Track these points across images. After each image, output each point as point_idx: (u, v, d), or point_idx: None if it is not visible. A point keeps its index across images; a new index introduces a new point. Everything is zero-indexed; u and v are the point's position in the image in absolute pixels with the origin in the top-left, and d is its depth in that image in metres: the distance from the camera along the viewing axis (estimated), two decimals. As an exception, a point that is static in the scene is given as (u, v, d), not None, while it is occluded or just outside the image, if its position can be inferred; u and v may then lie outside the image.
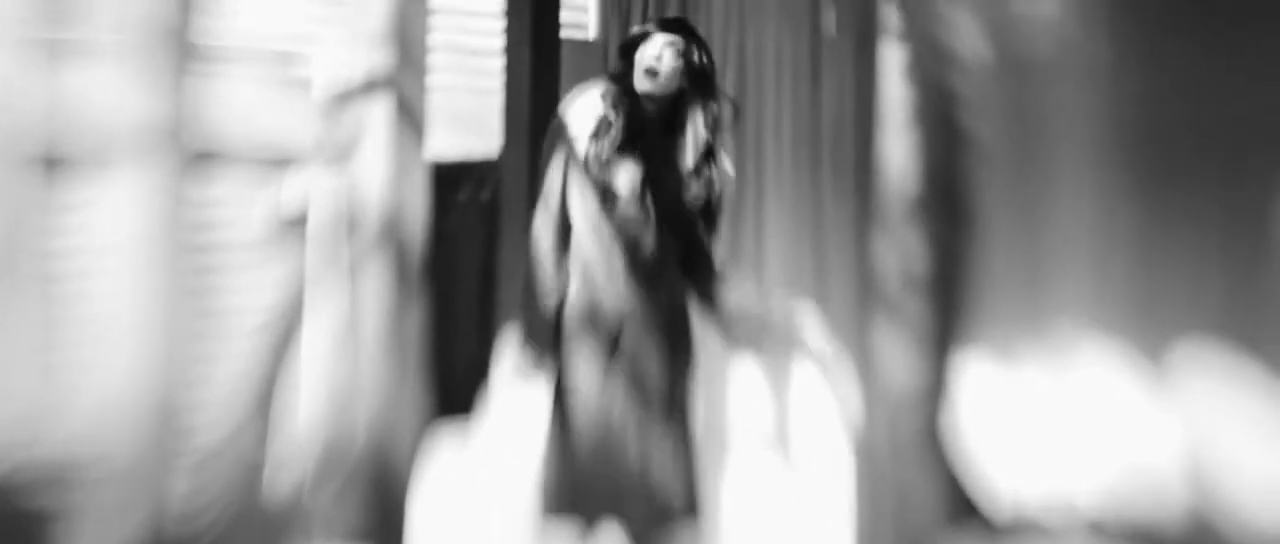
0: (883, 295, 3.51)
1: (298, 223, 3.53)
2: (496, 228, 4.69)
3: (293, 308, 3.53)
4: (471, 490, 4.11)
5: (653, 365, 3.78)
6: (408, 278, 3.63)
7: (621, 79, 3.82)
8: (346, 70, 3.56)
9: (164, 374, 3.32)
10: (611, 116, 3.78)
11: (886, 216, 3.42)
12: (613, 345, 3.77)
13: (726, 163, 3.87)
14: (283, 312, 3.52)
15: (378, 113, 3.58)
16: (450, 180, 4.58)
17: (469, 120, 4.78)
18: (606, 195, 3.76)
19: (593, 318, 3.79)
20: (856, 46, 4.14)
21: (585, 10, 5.17)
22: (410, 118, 3.65)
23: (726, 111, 3.87)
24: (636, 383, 3.77)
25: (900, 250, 3.47)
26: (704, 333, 3.92)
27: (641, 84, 3.75)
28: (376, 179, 3.55)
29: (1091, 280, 3.69)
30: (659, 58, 3.72)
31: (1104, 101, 3.65)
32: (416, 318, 3.65)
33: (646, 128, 3.81)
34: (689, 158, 3.76)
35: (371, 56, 3.57)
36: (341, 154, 3.54)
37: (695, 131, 3.76)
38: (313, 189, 3.54)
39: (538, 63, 4.69)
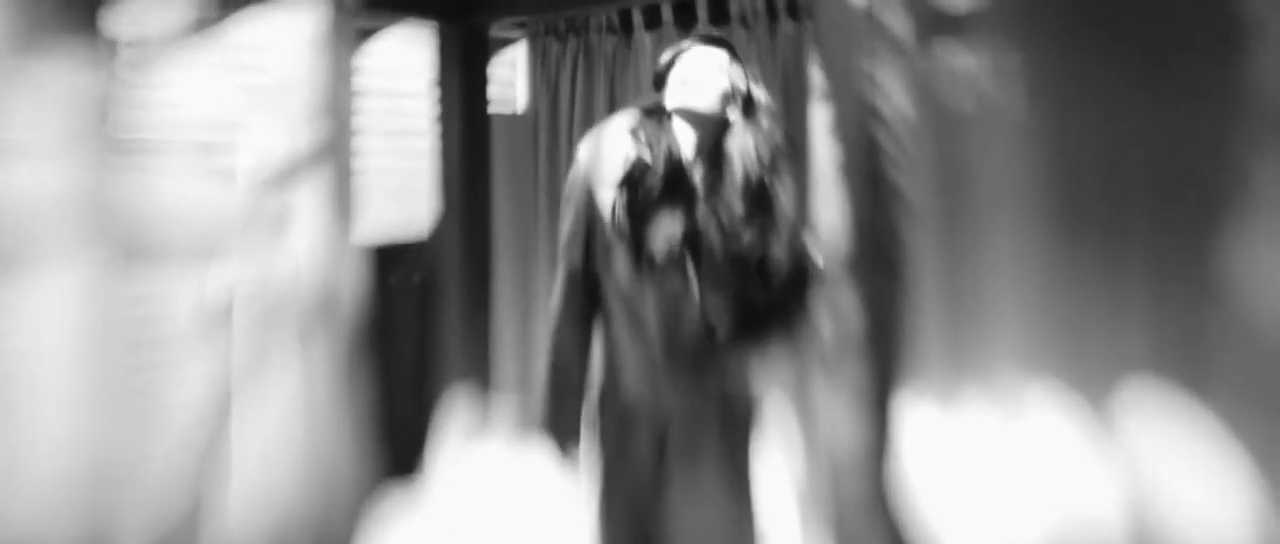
0: (820, 355, 3.49)
1: (226, 313, 3.56)
2: (432, 304, 4.63)
3: (223, 397, 3.56)
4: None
5: (709, 473, 3.19)
6: (347, 355, 3.75)
7: (654, 112, 3.18)
8: (272, 156, 3.63)
9: (97, 470, 3.37)
10: (645, 156, 3.12)
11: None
12: (658, 448, 3.18)
13: (785, 202, 3.15)
14: (214, 401, 3.55)
15: (306, 195, 3.68)
16: (385, 261, 4.40)
17: (401, 199, 4.61)
18: (641, 255, 3.10)
19: (629, 416, 3.19)
20: (784, 105, 4.27)
21: (513, 85, 5.03)
22: (341, 198, 3.77)
23: (781, 141, 3.20)
24: (688, 492, 3.17)
25: (833, 308, 3.43)
26: (771, 418, 3.37)
27: (680, 100, 3.11)
28: (309, 261, 3.66)
29: (1028, 327, 3.68)
30: (700, 71, 3.11)
31: (1027, 150, 3.64)
32: (358, 392, 3.76)
33: (687, 169, 3.15)
34: (738, 200, 3.09)
35: (297, 140, 3.63)
36: (270, 239, 3.60)
37: (746, 166, 3.11)
38: (241, 278, 3.58)
39: (467, 138, 4.65)
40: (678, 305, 3.11)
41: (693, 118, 3.14)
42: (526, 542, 4.08)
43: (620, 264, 3.13)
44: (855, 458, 3.52)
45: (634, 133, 3.17)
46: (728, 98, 3.14)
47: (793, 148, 3.30)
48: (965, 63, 3.70)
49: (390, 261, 4.39)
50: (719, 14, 4.55)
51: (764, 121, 3.17)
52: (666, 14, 4.65)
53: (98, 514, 3.40)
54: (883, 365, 3.54)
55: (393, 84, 4.61)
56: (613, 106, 4.72)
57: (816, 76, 3.56)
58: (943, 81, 3.67)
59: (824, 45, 3.51)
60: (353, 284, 3.80)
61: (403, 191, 4.61)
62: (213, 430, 3.58)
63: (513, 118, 4.99)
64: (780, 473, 3.83)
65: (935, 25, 3.62)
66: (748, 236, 3.10)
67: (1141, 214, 3.63)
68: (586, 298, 3.21)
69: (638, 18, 4.73)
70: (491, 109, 4.83)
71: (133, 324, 3.49)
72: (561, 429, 3.22)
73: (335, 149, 3.75)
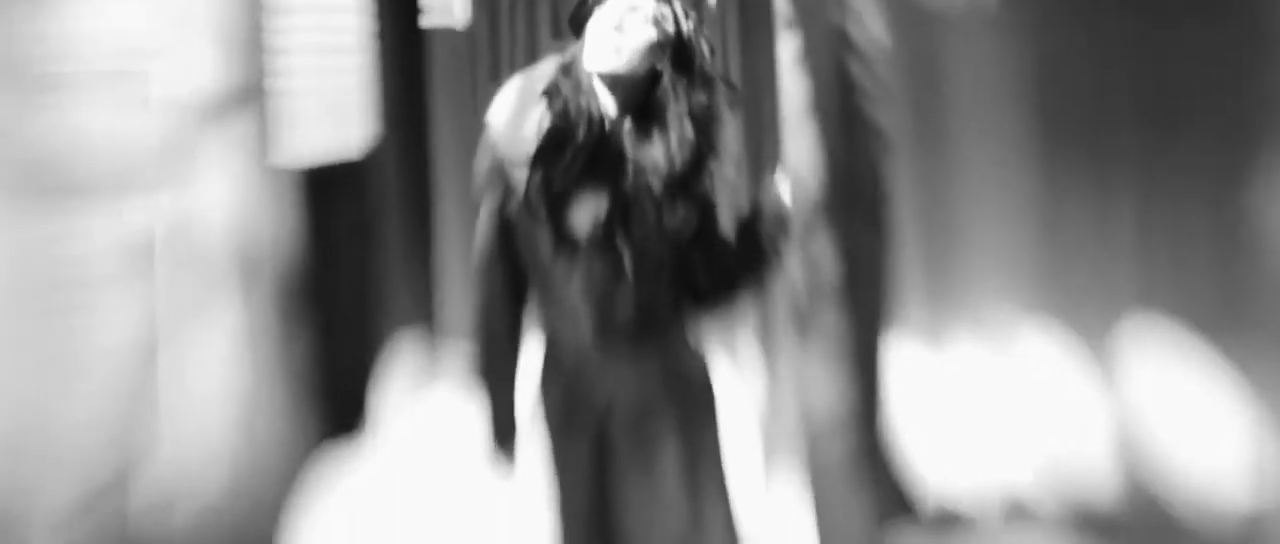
0: (794, 308, 3.40)
1: (148, 252, 3.47)
2: (372, 230, 4.51)
3: (149, 343, 3.47)
4: (361, 512, 4.09)
5: (665, 462, 2.96)
6: (278, 296, 3.67)
7: (571, 68, 2.88)
8: (189, 83, 3.52)
9: (14, 424, 3.32)
10: (560, 123, 2.84)
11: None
12: (602, 441, 2.97)
13: (728, 164, 2.90)
14: (139, 348, 3.45)
15: (225, 122, 3.59)
16: (317, 188, 4.16)
17: (332, 121, 4.42)
18: (563, 238, 2.85)
19: (570, 405, 2.98)
20: (744, 35, 4.16)
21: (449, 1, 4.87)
22: (261, 125, 3.67)
23: (722, 97, 2.92)
24: (642, 486, 2.96)
25: (808, 258, 3.33)
26: (729, 393, 3.12)
27: (600, 61, 2.81)
28: (233, 193, 3.56)
29: (1017, 261, 3.65)
30: (621, 25, 2.80)
31: (1008, 72, 3.62)
32: (292, 337, 3.67)
33: (610, 134, 2.86)
34: (672, 167, 2.83)
35: (214, 63, 3.52)
36: (190, 171, 3.50)
37: (679, 130, 2.83)
38: (162, 214, 3.50)
39: (401, 54, 4.52)
40: (609, 289, 2.88)
41: (617, 78, 2.85)
42: (478, 498, 3.98)
43: (541, 247, 2.89)
44: (837, 417, 3.44)
45: (549, 95, 2.88)
46: (657, 50, 2.83)
47: (734, 96, 3.01)
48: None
49: (322, 189, 4.19)
50: None
51: (700, 71, 2.88)
52: None
53: (16, 472, 3.33)
54: (865, 313, 3.44)
55: (322, 5, 4.40)
56: (556, 22, 4.61)
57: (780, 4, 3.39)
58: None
59: None
60: (281, 216, 3.70)
61: (333, 113, 4.42)
62: (139, 380, 3.46)
63: (451, 32, 4.84)
64: (749, 449, 3.71)
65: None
66: (684, 209, 2.86)
67: (1130, 136, 3.60)
68: (513, 283, 2.97)
69: None
70: (426, 22, 4.71)
71: (48, 266, 3.39)
72: (499, 423, 3.01)
73: (254, 70, 3.65)
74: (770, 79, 3.66)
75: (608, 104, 2.87)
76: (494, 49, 4.78)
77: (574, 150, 2.84)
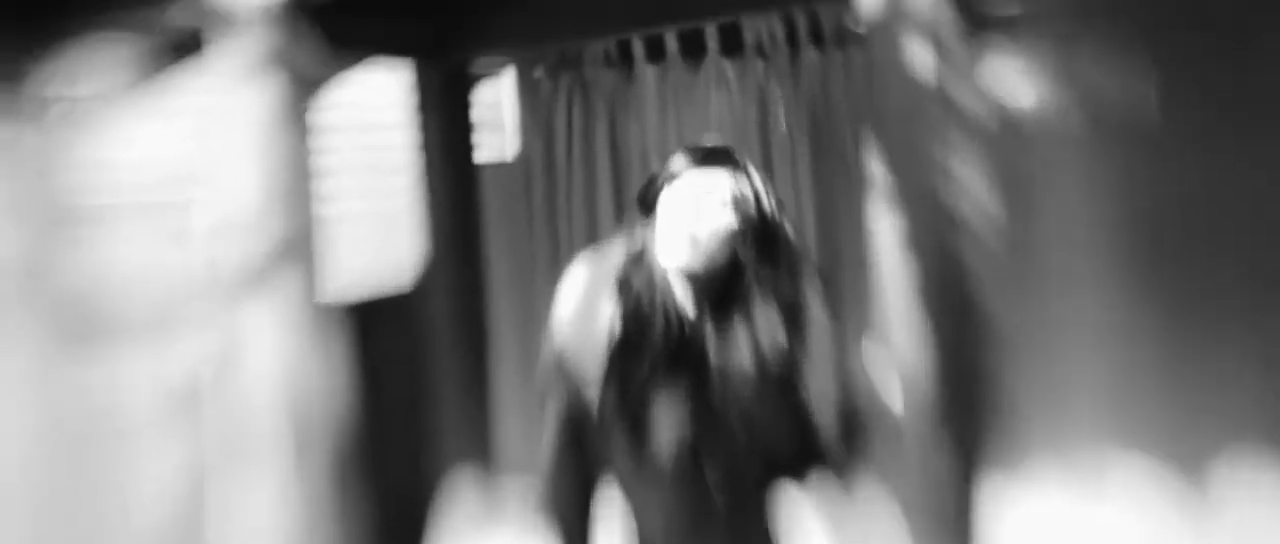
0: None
1: (192, 396, 3.34)
2: (424, 364, 4.34)
3: (195, 493, 3.33)
4: None
5: None
6: (326, 438, 3.47)
7: (642, 259, 2.60)
8: (232, 213, 3.33)
9: None
10: (633, 325, 2.55)
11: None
12: None
13: (823, 369, 2.55)
14: (185, 498, 3.32)
15: (273, 255, 3.40)
16: (369, 317, 4.06)
17: (381, 247, 4.37)
18: (643, 462, 2.54)
19: None
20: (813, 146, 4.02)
21: (501, 129, 4.76)
22: (308, 256, 3.47)
23: (810, 286, 2.61)
24: None
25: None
26: None
27: (676, 256, 2.51)
28: (278, 331, 3.38)
29: (1110, 395, 3.47)
30: (697, 212, 2.51)
31: (1108, 200, 3.48)
32: (343, 481, 3.48)
33: (690, 336, 2.55)
34: (760, 373, 2.50)
35: (258, 192, 3.32)
36: (233, 308, 3.30)
37: (768, 329, 2.52)
38: (207, 355, 3.36)
39: (452, 186, 4.35)
40: (696, 518, 2.58)
41: (695, 274, 2.56)
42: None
43: (621, 466, 2.62)
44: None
45: (619, 289, 2.61)
46: (739, 237, 2.54)
47: (828, 285, 2.67)
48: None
49: (372, 321, 4.04)
50: (732, 43, 4.30)
51: (786, 258, 2.59)
52: (671, 44, 4.39)
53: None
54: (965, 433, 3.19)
55: (367, 125, 4.36)
56: (614, 150, 4.50)
57: (875, 168, 3.17)
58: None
59: (885, 132, 3.09)
60: (330, 354, 3.50)
61: (382, 239, 4.32)
62: (183, 535, 3.32)
63: (502, 166, 4.71)
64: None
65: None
66: (778, 422, 2.54)
67: (1239, 271, 3.42)
68: (584, 490, 2.69)
69: (639, 48, 4.44)
70: (477, 156, 4.52)
71: (87, 415, 3.27)
72: None
73: (300, 198, 3.46)
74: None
75: (686, 301, 2.59)
76: (549, 180, 4.65)
77: (652, 358, 2.56)
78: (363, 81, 4.31)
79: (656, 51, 4.44)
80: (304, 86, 3.51)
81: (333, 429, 3.49)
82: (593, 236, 4.40)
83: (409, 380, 4.29)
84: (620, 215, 4.35)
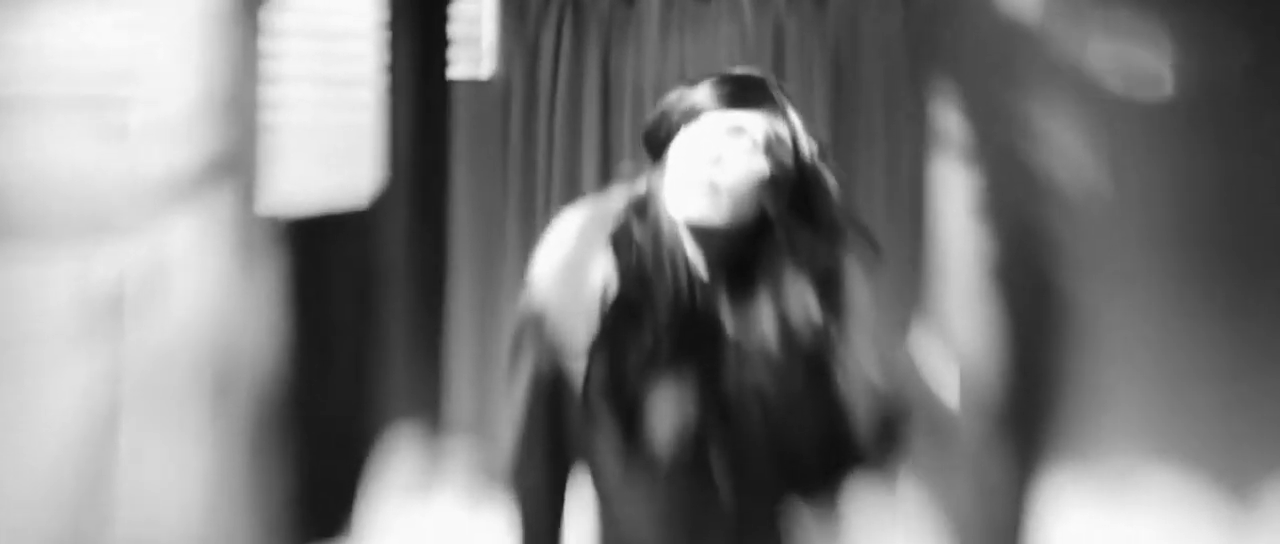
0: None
1: (115, 305, 3.18)
2: (371, 300, 4.18)
3: (110, 410, 3.16)
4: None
5: None
6: (256, 372, 3.33)
7: (646, 208, 2.23)
8: (172, 113, 3.21)
9: None
10: (632, 289, 2.17)
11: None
12: None
13: (864, 354, 2.19)
14: (100, 415, 3.15)
15: (213, 161, 3.27)
16: (313, 238, 3.88)
17: (334, 163, 4.16)
18: (636, 454, 2.18)
19: None
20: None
21: (479, 43, 4.56)
22: (252, 165, 3.36)
23: (852, 254, 2.25)
24: None
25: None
26: None
27: (691, 206, 2.14)
28: (212, 245, 3.24)
29: (1153, 408, 3.29)
30: (720, 155, 2.13)
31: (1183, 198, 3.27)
32: (272, 424, 3.34)
33: (702, 305, 2.18)
34: (781, 350, 2.15)
35: (201, 93, 3.20)
36: (166, 215, 3.20)
37: (799, 300, 2.16)
38: (134, 263, 3.19)
39: (420, 101, 4.23)
40: (698, 527, 2.23)
41: (712, 229, 2.17)
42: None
43: (603, 460, 2.24)
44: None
45: (617, 245, 2.22)
46: (770, 188, 2.16)
47: (874, 251, 2.29)
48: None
49: (317, 244, 3.86)
50: None
51: (826, 217, 2.21)
52: None
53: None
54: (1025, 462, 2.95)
55: (329, 29, 4.08)
56: (605, 82, 4.30)
57: (944, 120, 2.79)
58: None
59: (961, 77, 2.72)
60: (267, 277, 3.37)
61: (336, 155, 4.09)
62: (96, 451, 3.14)
63: (477, 86, 4.49)
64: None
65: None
66: (804, 413, 2.17)
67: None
68: (558, 489, 2.32)
69: None
70: (451, 73, 4.38)
71: (2, 319, 3.14)
72: None
73: (246, 101, 3.33)
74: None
75: (698, 262, 2.21)
76: (528, 108, 4.46)
77: (654, 328, 2.17)
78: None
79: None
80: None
81: (261, 367, 3.35)
82: (572, 177, 4.28)
83: (353, 318, 4.14)
84: (607, 155, 4.24)
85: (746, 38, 4.14)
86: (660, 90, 3.85)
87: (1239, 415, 3.23)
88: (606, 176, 4.12)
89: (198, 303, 3.16)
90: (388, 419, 4.15)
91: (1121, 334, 3.24)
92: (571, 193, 4.17)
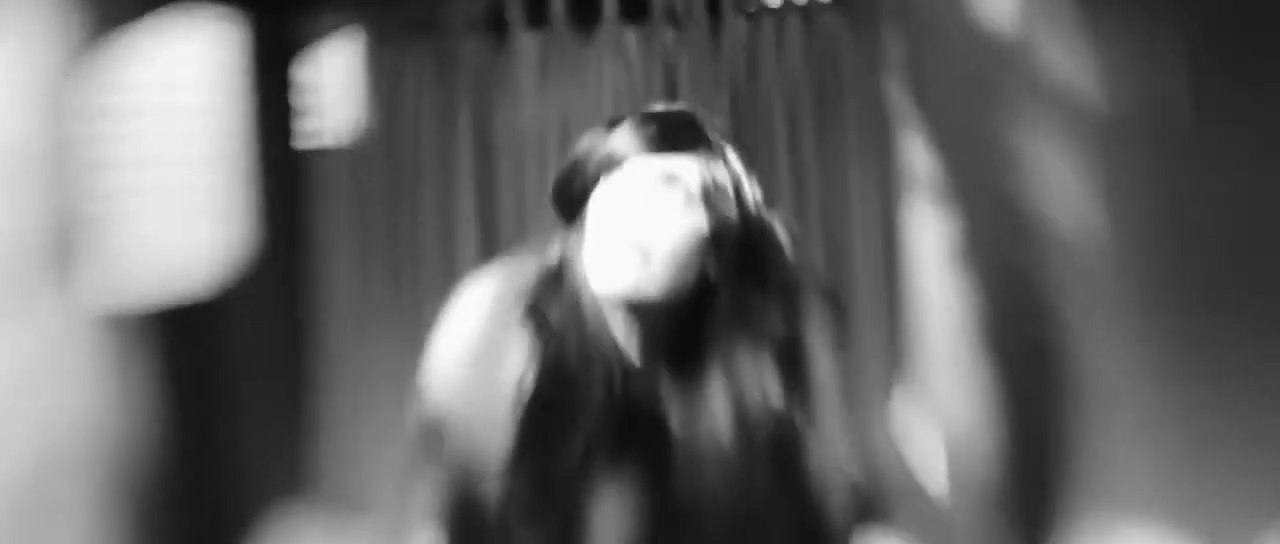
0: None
1: None
2: (228, 392, 3.95)
3: None
4: None
5: None
6: (108, 471, 3.22)
7: (562, 279, 1.92)
8: None
9: None
10: (549, 384, 1.86)
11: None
12: None
13: (834, 438, 1.88)
14: None
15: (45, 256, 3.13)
16: (164, 331, 3.65)
17: (180, 250, 3.88)
18: None
19: None
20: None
21: (336, 105, 4.27)
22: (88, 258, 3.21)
23: (814, 318, 1.94)
24: None
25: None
26: None
27: (615, 279, 1.83)
28: (52, 347, 3.13)
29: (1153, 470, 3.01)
30: (649, 217, 1.84)
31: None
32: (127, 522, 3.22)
33: (639, 395, 1.89)
34: (738, 444, 1.85)
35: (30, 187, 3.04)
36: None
37: (754, 382, 1.87)
38: None
39: (272, 171, 3.98)
40: None
41: (644, 309, 1.88)
42: None
43: None
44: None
45: (534, 325, 1.91)
46: (710, 248, 1.86)
47: (841, 317, 1.97)
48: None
49: (168, 335, 3.61)
50: (635, 6, 3.92)
51: (780, 277, 1.91)
52: (558, 3, 4.00)
53: None
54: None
55: (170, 87, 3.83)
56: (479, 138, 4.08)
57: (913, 155, 2.56)
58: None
59: (930, 104, 2.46)
60: (117, 375, 3.23)
61: (180, 235, 3.86)
62: None
63: (337, 152, 4.25)
64: None
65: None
66: (770, 516, 1.86)
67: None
68: None
69: (515, 11, 4.04)
70: (307, 137, 4.16)
71: None
72: None
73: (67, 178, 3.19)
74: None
75: (630, 346, 1.90)
76: (393, 171, 4.24)
77: (583, 430, 1.85)
78: (168, 34, 3.90)
79: (538, 15, 4.05)
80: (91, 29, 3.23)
81: (117, 462, 3.25)
82: (447, 244, 4.03)
83: (213, 405, 3.94)
84: (483, 219, 3.99)
85: (633, 76, 3.94)
86: (540, 142, 3.83)
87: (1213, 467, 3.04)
88: (487, 241, 3.91)
89: (61, 403, 3.06)
90: (265, 499, 3.92)
91: (1123, 396, 2.97)
92: (446, 262, 3.96)
